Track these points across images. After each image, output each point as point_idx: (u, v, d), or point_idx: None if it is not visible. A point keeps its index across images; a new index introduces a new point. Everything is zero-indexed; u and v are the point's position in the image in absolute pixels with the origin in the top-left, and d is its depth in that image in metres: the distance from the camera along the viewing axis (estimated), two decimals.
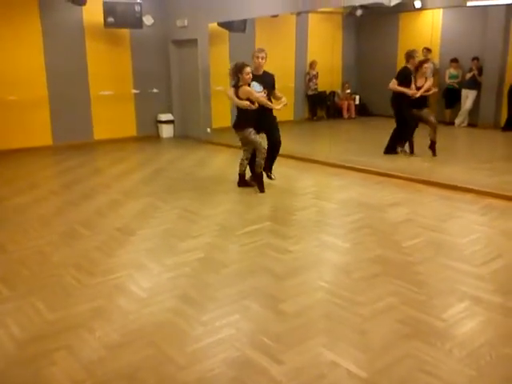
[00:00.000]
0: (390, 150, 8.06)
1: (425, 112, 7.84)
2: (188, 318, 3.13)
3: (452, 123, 11.05)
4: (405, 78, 7.71)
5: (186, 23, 9.78)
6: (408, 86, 7.68)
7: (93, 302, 3.35)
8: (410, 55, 7.76)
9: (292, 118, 12.27)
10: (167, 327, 3.03)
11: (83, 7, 8.77)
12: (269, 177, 6.47)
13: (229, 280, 3.68)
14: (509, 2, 9.46)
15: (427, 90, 7.75)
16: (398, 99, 7.77)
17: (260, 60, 6.03)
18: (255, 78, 6.00)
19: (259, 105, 5.90)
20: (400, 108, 7.80)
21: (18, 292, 3.55)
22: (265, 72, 6.17)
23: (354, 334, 2.93)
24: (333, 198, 5.89)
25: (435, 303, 3.28)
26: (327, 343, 2.83)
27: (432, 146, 7.86)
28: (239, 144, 6.41)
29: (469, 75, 10.54)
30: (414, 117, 7.84)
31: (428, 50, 11.09)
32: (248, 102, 5.82)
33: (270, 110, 6.15)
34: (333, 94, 13.01)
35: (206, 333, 2.95)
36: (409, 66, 7.81)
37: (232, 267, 3.91)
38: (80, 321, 3.11)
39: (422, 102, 7.82)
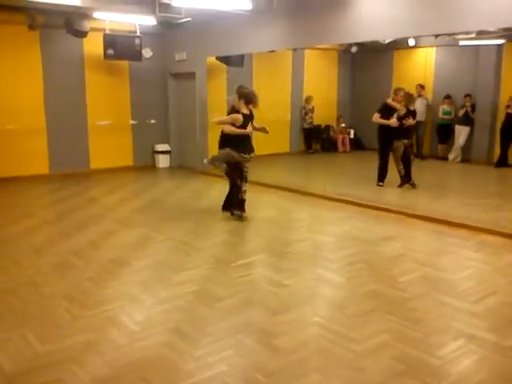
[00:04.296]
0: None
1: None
2: (180, 352, 3.09)
3: (445, 158, 11.18)
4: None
5: (184, 57, 9.95)
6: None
7: (84, 335, 3.30)
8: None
9: (288, 150, 12.38)
10: (159, 362, 2.99)
11: (83, 39, 8.94)
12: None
13: (222, 314, 3.65)
14: (499, 42, 9.74)
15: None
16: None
17: None
18: None
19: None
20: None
21: (8, 323, 3.50)
22: None
23: (348, 371, 2.89)
24: (328, 231, 5.89)
25: (430, 340, 3.26)
26: (321, 380, 2.79)
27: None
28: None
29: (462, 112, 10.73)
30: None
31: (421, 87, 11.36)
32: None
33: None
34: (328, 127, 13.19)
35: (199, 368, 2.90)
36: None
37: (226, 301, 3.88)
38: (70, 354, 3.06)
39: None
